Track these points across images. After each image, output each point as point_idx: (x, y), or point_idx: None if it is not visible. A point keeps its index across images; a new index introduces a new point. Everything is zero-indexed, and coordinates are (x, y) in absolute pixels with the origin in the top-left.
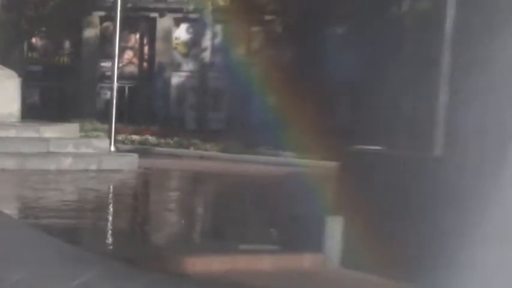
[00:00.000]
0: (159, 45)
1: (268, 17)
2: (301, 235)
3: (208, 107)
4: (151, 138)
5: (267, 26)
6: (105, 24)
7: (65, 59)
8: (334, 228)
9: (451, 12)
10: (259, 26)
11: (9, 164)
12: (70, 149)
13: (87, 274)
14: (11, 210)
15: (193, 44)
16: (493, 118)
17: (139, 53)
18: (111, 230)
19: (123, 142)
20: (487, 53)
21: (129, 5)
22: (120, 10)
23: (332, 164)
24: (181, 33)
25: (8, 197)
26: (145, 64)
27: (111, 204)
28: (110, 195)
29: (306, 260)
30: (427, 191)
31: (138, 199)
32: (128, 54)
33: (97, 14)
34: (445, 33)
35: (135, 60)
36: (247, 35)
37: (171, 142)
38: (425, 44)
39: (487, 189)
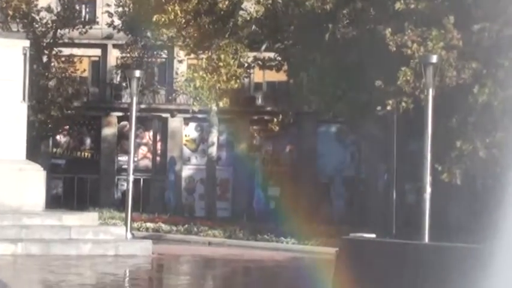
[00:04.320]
0: (170, 141)
1: (266, 117)
2: None
3: (215, 197)
4: (164, 226)
5: (265, 125)
6: (122, 123)
7: (86, 154)
8: None
9: (430, 113)
10: (259, 125)
11: (34, 249)
12: (90, 235)
13: None
14: None
15: (201, 140)
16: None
17: (153, 149)
18: None
19: (138, 229)
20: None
21: (143, 106)
22: (136, 111)
23: (329, 250)
24: (190, 131)
25: (32, 281)
26: (158, 158)
27: (131, 282)
28: (126, 280)
29: None
30: (417, 275)
31: (152, 283)
32: (143, 150)
33: (115, 114)
34: (426, 130)
35: (149, 155)
36: (248, 133)
37: (182, 229)
38: (407, 140)
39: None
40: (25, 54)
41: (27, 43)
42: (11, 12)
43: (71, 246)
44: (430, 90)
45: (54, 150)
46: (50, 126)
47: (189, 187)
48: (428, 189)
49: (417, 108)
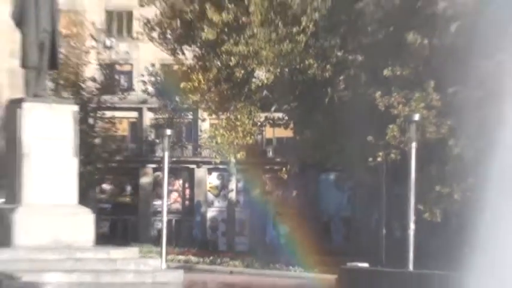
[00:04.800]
0: (196, 188)
1: (276, 167)
2: None
3: (235, 234)
4: (193, 258)
5: (275, 174)
6: (156, 173)
7: (127, 199)
8: None
9: (414, 163)
10: (270, 173)
11: (87, 278)
12: (132, 267)
13: None
14: None
15: (222, 187)
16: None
17: (182, 194)
18: None
19: (171, 261)
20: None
21: (174, 159)
22: (167, 163)
23: (330, 277)
24: (213, 179)
25: None
26: (186, 202)
27: None
28: None
29: None
30: None
31: None
32: (174, 195)
33: (150, 166)
34: (410, 177)
35: (179, 200)
36: (261, 180)
37: (208, 260)
38: (394, 185)
39: None
40: (74, 117)
41: (76, 108)
42: (62, 82)
43: (116, 276)
44: (413, 144)
45: (101, 196)
46: (96, 176)
47: (212, 226)
48: (412, 226)
49: (403, 159)
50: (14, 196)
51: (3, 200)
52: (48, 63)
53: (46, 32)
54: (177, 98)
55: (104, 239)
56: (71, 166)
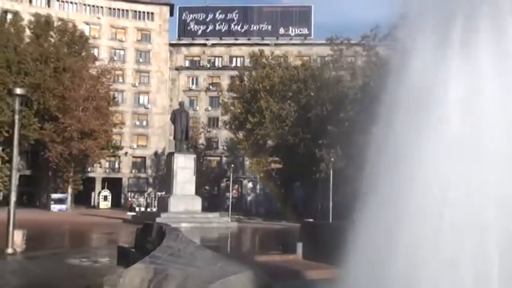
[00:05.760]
0: (244, 189)
1: (276, 180)
2: (289, 247)
3: (259, 206)
4: (241, 217)
5: (275, 182)
6: (227, 182)
7: (215, 192)
8: (300, 245)
9: (331, 178)
10: (273, 182)
11: (197, 225)
12: (216, 220)
13: (223, 261)
14: (198, 241)
15: (254, 187)
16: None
17: (237, 191)
18: (232, 244)
19: (232, 218)
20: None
21: (234, 176)
22: (232, 179)
23: (297, 225)
24: (250, 184)
25: (196, 235)
26: (239, 194)
27: (230, 234)
28: (229, 233)
29: (291, 256)
30: (328, 237)
31: (239, 233)
32: (234, 191)
33: (225, 179)
34: (330, 184)
35: (236, 193)
36: (270, 185)
37: (247, 218)
38: (326, 186)
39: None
40: (195, 159)
41: (194, 156)
42: (190, 145)
43: (210, 223)
44: (331, 170)
45: (204, 191)
46: (202, 183)
47: (249, 203)
48: (331, 204)
49: (327, 176)
50: (169, 191)
51: (163, 192)
52: (184, 137)
53: (184, 125)
54: (235, 152)
55: (205, 209)
56: (192, 179)
